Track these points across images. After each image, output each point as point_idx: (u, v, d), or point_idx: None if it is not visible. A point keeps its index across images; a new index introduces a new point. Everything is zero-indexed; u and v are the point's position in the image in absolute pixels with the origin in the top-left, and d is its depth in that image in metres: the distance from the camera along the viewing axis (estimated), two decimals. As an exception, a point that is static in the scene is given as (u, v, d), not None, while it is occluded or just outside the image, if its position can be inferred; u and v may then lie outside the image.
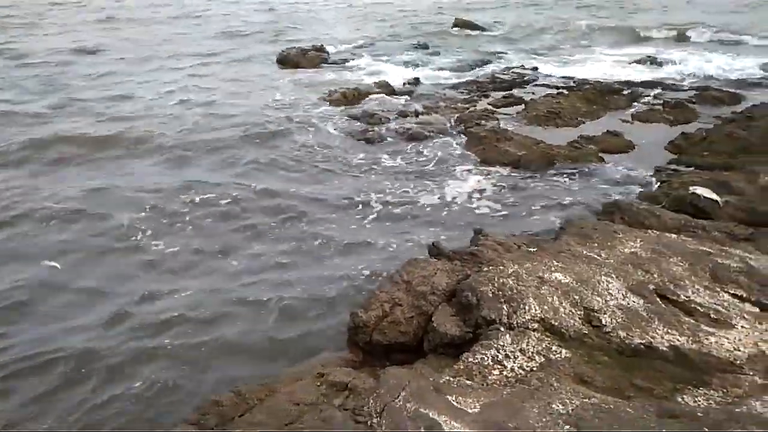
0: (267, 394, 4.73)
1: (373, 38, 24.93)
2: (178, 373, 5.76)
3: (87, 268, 7.64)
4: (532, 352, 4.59)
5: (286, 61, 19.89)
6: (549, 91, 15.55)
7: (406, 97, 15.62)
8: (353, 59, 20.64)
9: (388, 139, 12.47)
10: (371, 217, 9.10)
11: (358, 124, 13.37)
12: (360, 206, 9.47)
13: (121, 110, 14.45)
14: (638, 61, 19.29)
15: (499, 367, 4.47)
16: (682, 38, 24.06)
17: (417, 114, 13.94)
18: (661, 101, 14.32)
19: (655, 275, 5.47)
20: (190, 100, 15.34)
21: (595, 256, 5.84)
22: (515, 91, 15.90)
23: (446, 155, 11.58)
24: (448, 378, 4.27)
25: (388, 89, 15.95)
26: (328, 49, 21.50)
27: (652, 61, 19.16)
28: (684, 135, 11.57)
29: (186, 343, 6.20)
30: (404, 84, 16.81)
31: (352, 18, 31.42)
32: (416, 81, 17.16)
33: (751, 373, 4.27)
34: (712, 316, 4.95)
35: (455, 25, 26.99)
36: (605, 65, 19.38)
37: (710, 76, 17.47)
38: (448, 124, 13.18)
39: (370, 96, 15.40)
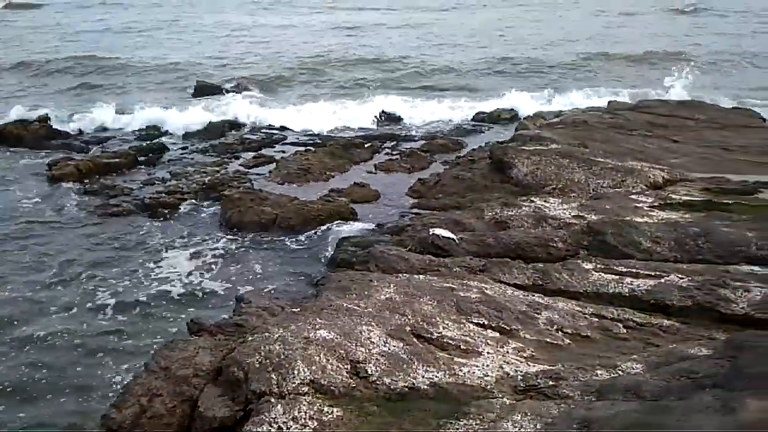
0: None
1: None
2: None
3: None
4: (305, 419, 4.48)
5: (2, 136, 17.35)
6: (297, 148, 15.98)
7: (152, 165, 14.80)
8: (83, 128, 18.73)
9: (134, 211, 11.60)
10: (111, 306, 8.45)
11: (98, 199, 12.23)
12: (100, 293, 8.72)
13: None
14: (376, 116, 20.78)
15: (273, 442, 4.28)
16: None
17: (164, 181, 13.25)
18: (398, 152, 15.66)
19: (410, 317, 5.81)
20: None
21: (355, 307, 6.01)
22: (265, 151, 16.06)
23: (198, 222, 11.14)
24: (219, 468, 3.94)
25: (129, 158, 14.90)
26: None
27: (388, 115, 20.81)
28: (420, 180, 12.76)
29: None
30: (148, 151, 15.85)
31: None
32: (162, 147, 16.35)
33: (500, 395, 4.70)
34: (462, 347, 5.39)
35: (197, 88, 26.20)
36: (337, 119, 20.21)
37: (435, 125, 19.59)
38: (199, 189, 12.72)
39: (110, 167, 14.23)
